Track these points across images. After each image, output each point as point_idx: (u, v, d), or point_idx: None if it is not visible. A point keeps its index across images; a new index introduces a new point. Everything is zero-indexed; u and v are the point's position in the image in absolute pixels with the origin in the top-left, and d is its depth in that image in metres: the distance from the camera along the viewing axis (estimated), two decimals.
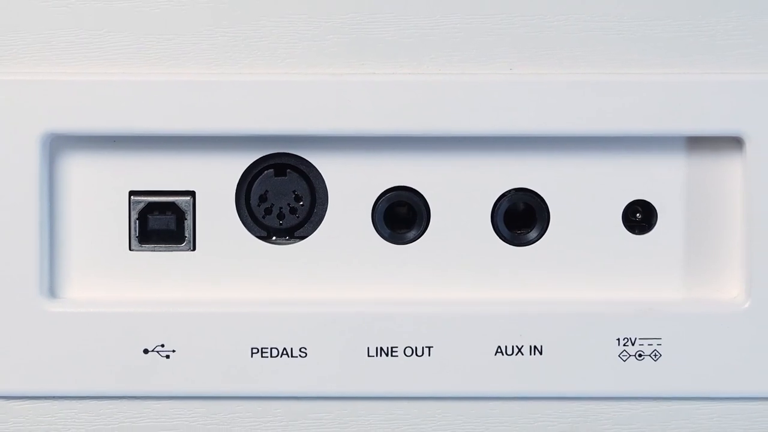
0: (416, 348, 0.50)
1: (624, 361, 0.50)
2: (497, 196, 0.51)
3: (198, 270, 0.51)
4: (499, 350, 0.50)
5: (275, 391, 0.50)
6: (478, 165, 0.51)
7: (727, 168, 0.51)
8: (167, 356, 0.50)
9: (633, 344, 0.50)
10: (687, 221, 0.51)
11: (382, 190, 0.51)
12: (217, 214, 0.51)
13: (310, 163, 0.51)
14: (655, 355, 0.50)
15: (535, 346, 0.50)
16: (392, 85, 0.49)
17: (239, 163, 0.51)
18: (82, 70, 0.49)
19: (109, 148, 0.50)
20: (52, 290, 0.51)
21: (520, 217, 0.51)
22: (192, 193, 0.51)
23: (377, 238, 0.51)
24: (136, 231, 0.51)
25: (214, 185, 0.51)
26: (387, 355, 0.50)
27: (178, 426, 0.51)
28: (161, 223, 0.51)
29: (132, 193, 0.51)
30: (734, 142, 0.50)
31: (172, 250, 0.51)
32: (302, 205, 0.51)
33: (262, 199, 0.51)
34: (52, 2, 0.49)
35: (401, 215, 0.51)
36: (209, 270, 0.51)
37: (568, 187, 0.51)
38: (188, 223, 0.51)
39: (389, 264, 0.51)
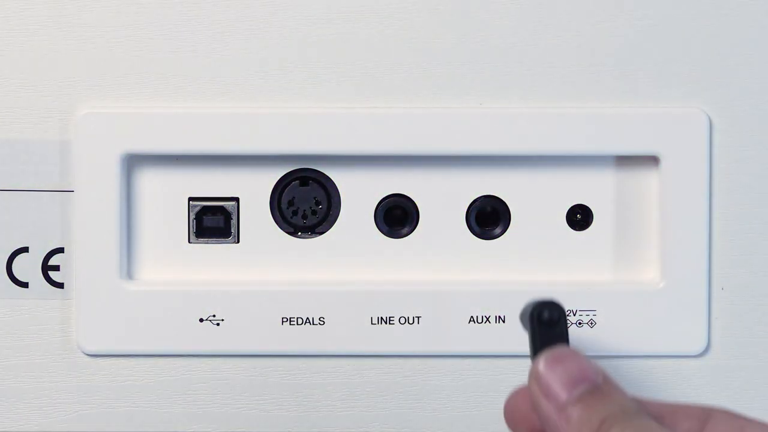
0: (408, 318, 0.52)
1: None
2: (470, 201, 0.53)
3: (241, 258, 0.53)
4: (472, 319, 0.52)
5: (300, 351, 0.52)
6: (455, 177, 0.53)
7: (646, 180, 0.52)
8: (217, 324, 0.52)
9: (574, 315, 0.52)
10: (616, 221, 0.53)
11: (383, 197, 0.53)
12: (255, 215, 0.53)
13: (327, 175, 0.53)
14: (591, 323, 0.52)
15: (499, 316, 0.52)
16: (389, 116, 0.51)
17: (273, 175, 0.53)
18: (152, 104, 0.52)
19: (172, 164, 0.53)
20: (129, 273, 0.53)
21: (488, 217, 0.53)
22: (236, 199, 0.53)
23: (378, 234, 0.53)
24: (193, 228, 0.53)
25: (253, 193, 0.53)
26: (386, 323, 0.52)
27: (225, 377, 0.53)
28: (213, 222, 0.53)
29: (190, 198, 0.53)
30: (652, 160, 0.52)
31: (221, 243, 0.53)
32: (321, 208, 0.53)
33: (290, 203, 0.53)
34: (129, 52, 0.51)
35: (397, 216, 0.53)
36: (250, 258, 0.53)
37: (525, 194, 0.53)
38: (234, 222, 0.53)
39: (388, 253, 0.53)
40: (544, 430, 0.45)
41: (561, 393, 0.43)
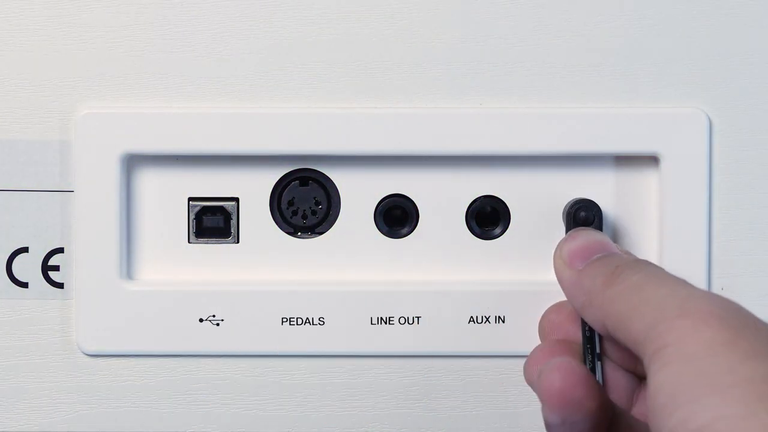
0: (408, 318, 0.52)
1: None
2: (470, 201, 0.53)
3: (241, 258, 0.53)
4: (471, 319, 0.52)
5: (300, 351, 0.52)
6: (455, 177, 0.53)
7: (646, 179, 0.52)
8: (217, 324, 0.52)
9: None
10: (615, 219, 0.52)
11: (382, 197, 0.53)
12: (255, 215, 0.53)
13: (326, 175, 0.53)
14: None
15: (499, 316, 0.52)
16: (389, 117, 0.51)
17: (272, 175, 0.53)
18: (152, 104, 0.51)
19: (172, 164, 0.52)
20: (129, 273, 0.53)
21: (488, 217, 0.53)
22: (236, 199, 0.53)
23: (378, 234, 0.53)
24: (193, 228, 0.53)
25: (253, 193, 0.53)
26: (385, 323, 0.52)
27: (225, 377, 0.53)
28: (213, 222, 0.53)
29: (190, 199, 0.53)
30: (652, 160, 0.52)
31: (221, 243, 0.53)
32: (321, 208, 0.53)
33: (290, 203, 0.53)
34: (129, 52, 0.51)
35: (397, 216, 0.53)
36: (249, 258, 0.53)
37: (525, 194, 0.53)
38: (233, 222, 0.53)
39: (387, 253, 0.53)
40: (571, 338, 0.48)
41: (578, 262, 0.47)
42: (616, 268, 0.45)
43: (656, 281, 0.43)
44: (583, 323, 0.48)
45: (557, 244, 0.49)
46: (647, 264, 0.45)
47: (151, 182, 0.53)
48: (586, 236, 0.48)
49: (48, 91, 0.52)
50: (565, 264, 0.48)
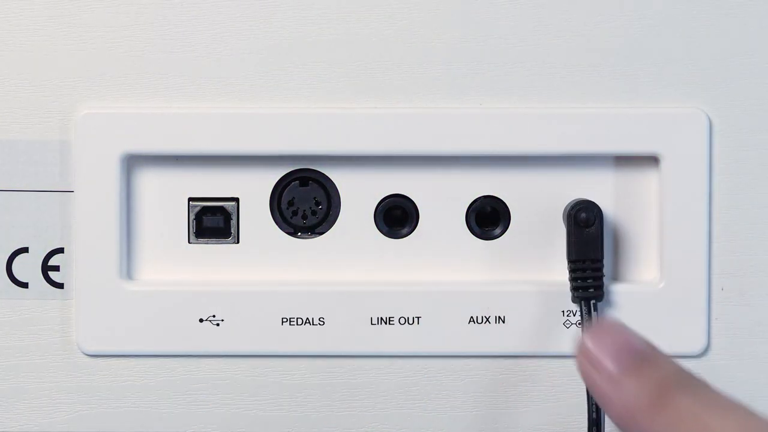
0: (408, 318, 0.52)
1: (567, 328, 0.52)
2: (470, 202, 0.53)
3: (241, 258, 0.53)
4: (471, 320, 0.52)
5: (300, 351, 0.52)
6: (455, 177, 0.53)
7: (646, 180, 0.52)
8: (217, 324, 0.52)
9: (574, 315, 0.52)
10: (615, 220, 0.52)
11: (382, 197, 0.53)
12: (255, 215, 0.53)
13: (327, 176, 0.53)
14: None
15: (499, 317, 0.52)
16: (389, 117, 0.51)
17: (272, 175, 0.53)
18: (152, 104, 0.51)
19: (172, 164, 0.52)
20: (129, 273, 0.52)
21: (488, 217, 0.53)
22: (236, 199, 0.53)
23: (378, 234, 0.53)
24: (193, 228, 0.53)
25: (253, 193, 0.53)
26: (386, 323, 0.52)
27: (225, 377, 0.53)
28: (213, 222, 0.53)
29: (190, 199, 0.53)
30: (652, 160, 0.52)
31: (221, 243, 0.53)
32: (321, 208, 0.53)
33: (290, 203, 0.53)
34: (129, 52, 0.51)
35: (397, 216, 0.53)
36: (249, 258, 0.53)
37: (525, 194, 0.53)
38: (233, 222, 0.53)
39: (387, 254, 0.53)
40: None
41: (611, 365, 0.43)
42: (661, 386, 0.42)
43: (713, 408, 0.41)
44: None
45: (577, 340, 0.44)
46: (692, 379, 0.43)
47: (151, 182, 0.53)
48: (611, 336, 0.44)
49: (48, 91, 0.52)
50: (591, 367, 0.44)
